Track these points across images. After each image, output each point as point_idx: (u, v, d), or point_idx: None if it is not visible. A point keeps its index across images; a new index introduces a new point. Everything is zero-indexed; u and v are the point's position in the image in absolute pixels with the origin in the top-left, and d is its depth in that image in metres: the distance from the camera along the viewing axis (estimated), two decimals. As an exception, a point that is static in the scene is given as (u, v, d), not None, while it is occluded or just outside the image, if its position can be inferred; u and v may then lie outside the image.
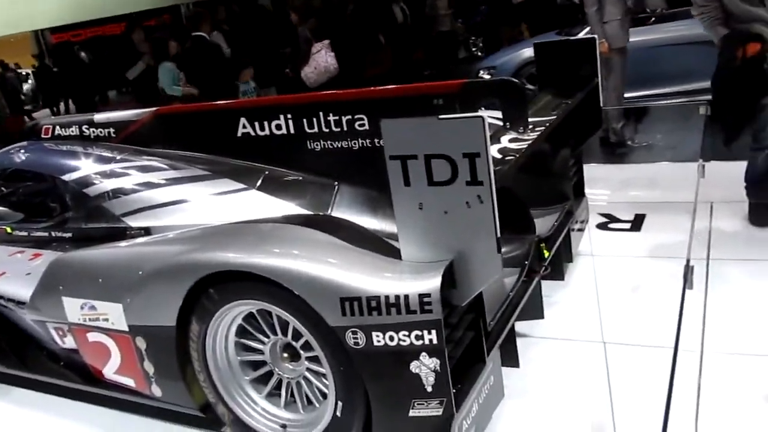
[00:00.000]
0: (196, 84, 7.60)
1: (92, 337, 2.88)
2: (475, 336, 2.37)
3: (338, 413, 2.35)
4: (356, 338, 2.16)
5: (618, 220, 4.44)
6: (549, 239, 3.23)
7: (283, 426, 2.55)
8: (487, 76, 7.79)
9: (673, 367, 2.36)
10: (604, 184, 5.02)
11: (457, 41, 11.19)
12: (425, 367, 2.13)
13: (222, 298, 2.44)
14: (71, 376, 3.16)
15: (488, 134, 1.96)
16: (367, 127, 3.11)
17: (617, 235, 4.27)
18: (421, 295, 2.08)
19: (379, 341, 2.14)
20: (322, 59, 6.91)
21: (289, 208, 3.16)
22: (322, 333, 2.25)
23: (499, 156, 2.74)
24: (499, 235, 2.05)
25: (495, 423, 2.56)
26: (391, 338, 2.12)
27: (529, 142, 2.87)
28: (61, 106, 12.70)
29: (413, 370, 2.14)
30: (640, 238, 4.16)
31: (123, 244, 2.98)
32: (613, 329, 3.05)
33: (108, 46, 8.83)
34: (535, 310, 3.11)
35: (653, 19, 7.46)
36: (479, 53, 10.57)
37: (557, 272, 3.49)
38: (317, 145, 3.26)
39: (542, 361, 2.98)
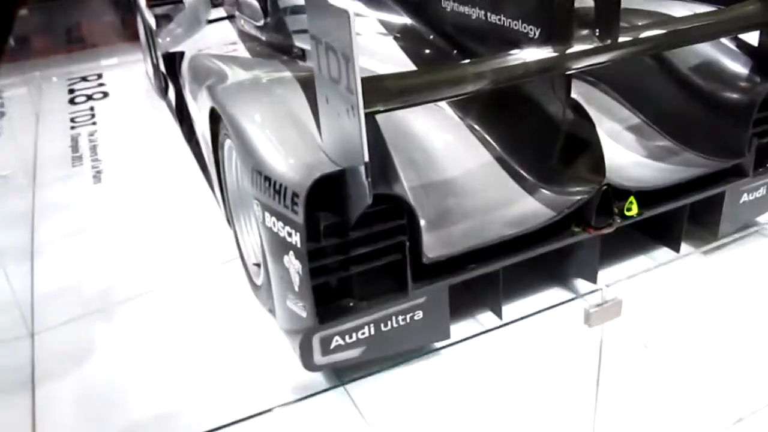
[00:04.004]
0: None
1: None
2: (400, 262, 2.10)
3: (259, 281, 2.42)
4: (258, 211, 2.11)
5: None
6: (655, 194, 2.49)
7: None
8: None
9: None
10: None
11: None
12: (292, 267, 2.01)
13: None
14: None
15: (354, 32, 1.58)
16: None
17: None
18: (294, 194, 1.91)
19: (269, 223, 2.06)
20: None
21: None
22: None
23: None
24: (366, 159, 1.72)
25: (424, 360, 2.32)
26: (274, 224, 2.03)
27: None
28: None
29: (285, 264, 2.04)
30: None
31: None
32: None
33: None
34: (587, 271, 2.54)
35: None
36: None
37: (672, 241, 2.70)
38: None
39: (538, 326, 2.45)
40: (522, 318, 2.35)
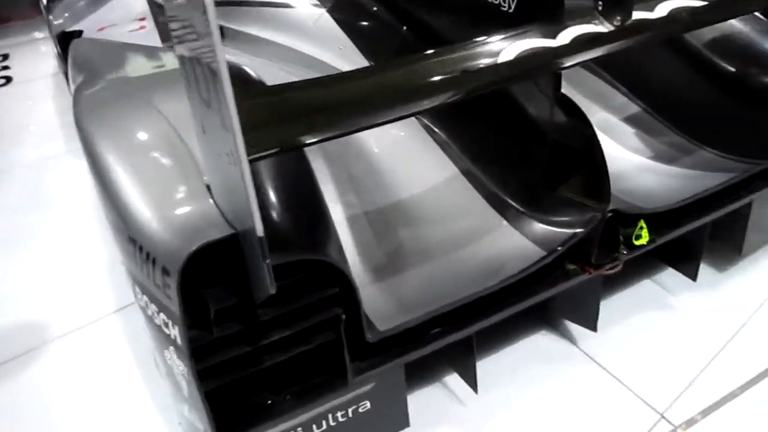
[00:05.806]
0: None
1: None
2: (334, 343, 1.49)
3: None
4: (130, 284, 1.48)
5: None
6: (669, 212, 1.91)
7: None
8: None
9: None
10: None
11: None
12: (176, 367, 1.39)
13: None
14: None
15: (217, 29, 0.94)
16: None
17: None
18: (164, 269, 1.27)
19: (141, 302, 1.43)
20: None
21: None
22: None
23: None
24: (260, 233, 1.09)
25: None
26: (147, 305, 1.40)
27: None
28: None
29: (168, 361, 1.42)
30: None
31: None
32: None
33: None
34: (586, 318, 1.96)
35: None
36: None
37: (688, 266, 2.14)
38: None
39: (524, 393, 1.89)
40: None
